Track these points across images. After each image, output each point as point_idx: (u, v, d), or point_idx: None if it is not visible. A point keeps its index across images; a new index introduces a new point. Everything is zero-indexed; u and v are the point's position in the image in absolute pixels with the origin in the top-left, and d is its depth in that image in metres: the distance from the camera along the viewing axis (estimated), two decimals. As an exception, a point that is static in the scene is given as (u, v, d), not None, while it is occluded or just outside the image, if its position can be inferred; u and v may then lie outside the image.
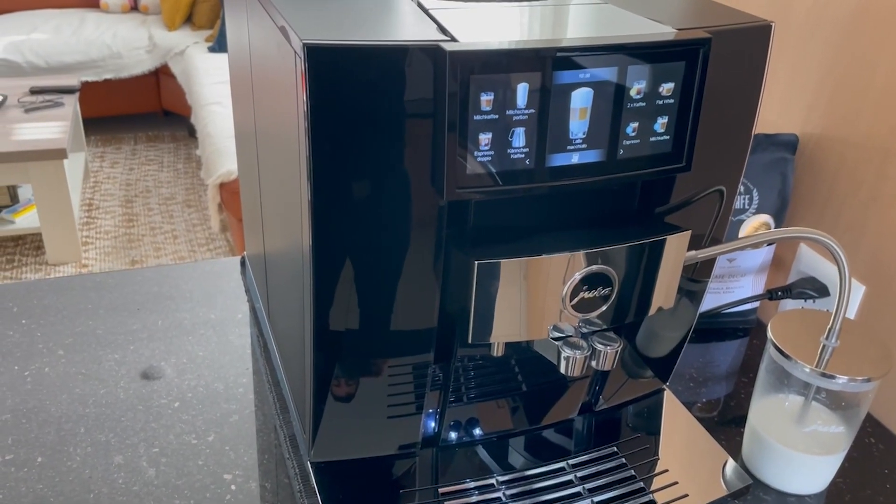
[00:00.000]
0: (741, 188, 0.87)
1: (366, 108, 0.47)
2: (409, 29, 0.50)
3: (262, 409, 0.76)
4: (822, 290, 0.85)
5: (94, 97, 3.60)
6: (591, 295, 0.52)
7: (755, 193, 0.87)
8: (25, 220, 2.78)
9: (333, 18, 0.51)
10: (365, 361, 0.57)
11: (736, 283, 0.91)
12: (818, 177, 0.85)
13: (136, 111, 3.82)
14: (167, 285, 0.95)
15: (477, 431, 0.66)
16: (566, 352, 0.52)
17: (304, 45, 0.45)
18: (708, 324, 0.92)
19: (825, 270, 0.85)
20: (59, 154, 2.56)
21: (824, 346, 0.67)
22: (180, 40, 3.62)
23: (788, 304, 0.89)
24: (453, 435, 0.65)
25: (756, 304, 0.93)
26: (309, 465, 0.63)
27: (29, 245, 2.91)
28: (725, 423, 0.79)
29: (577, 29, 0.53)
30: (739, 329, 0.94)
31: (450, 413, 0.64)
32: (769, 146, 0.86)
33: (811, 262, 0.87)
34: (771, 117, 0.91)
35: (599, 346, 0.53)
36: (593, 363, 0.54)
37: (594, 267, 0.52)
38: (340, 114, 0.47)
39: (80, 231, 2.97)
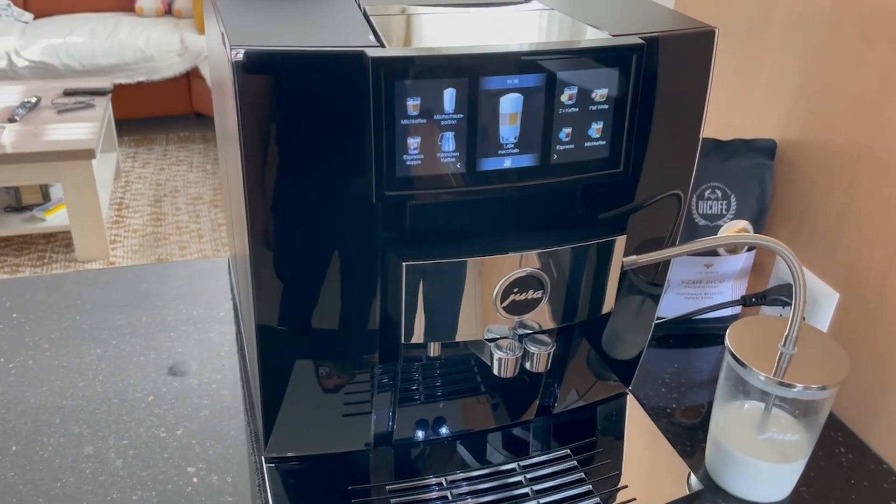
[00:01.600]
0: (718, 193, 0.86)
1: (296, 112, 0.49)
2: (344, 35, 0.51)
3: (232, 406, 0.78)
4: (798, 298, 0.84)
5: (127, 99, 3.69)
6: (522, 297, 0.53)
7: (733, 199, 0.86)
8: (56, 218, 2.85)
9: (273, 25, 0.52)
10: (309, 361, 0.59)
11: (715, 289, 0.90)
12: (797, 182, 0.84)
13: (167, 113, 3.90)
14: (156, 283, 0.98)
15: (431, 431, 0.67)
16: (498, 353, 0.53)
17: (232, 48, 0.47)
18: (685, 329, 0.91)
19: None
20: (87, 154, 2.63)
21: (782, 353, 0.66)
22: (210, 43, 3.69)
23: (765, 311, 0.88)
24: (406, 434, 0.66)
25: (737, 310, 0.92)
26: (263, 460, 0.65)
27: (60, 242, 3.00)
28: (693, 429, 0.78)
29: (512, 35, 0.53)
30: (720, 335, 0.93)
31: (405, 412, 0.65)
32: (747, 152, 0.86)
33: (785, 268, 0.86)
34: (749, 123, 0.90)
35: (532, 349, 0.54)
36: (527, 365, 0.54)
37: (524, 270, 0.52)
38: (270, 118, 0.49)
39: (108, 229, 3.05)
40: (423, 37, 0.52)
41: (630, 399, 0.75)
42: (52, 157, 2.61)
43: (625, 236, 0.55)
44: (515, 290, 0.52)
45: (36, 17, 3.98)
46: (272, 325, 0.56)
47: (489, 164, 0.51)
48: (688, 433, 0.77)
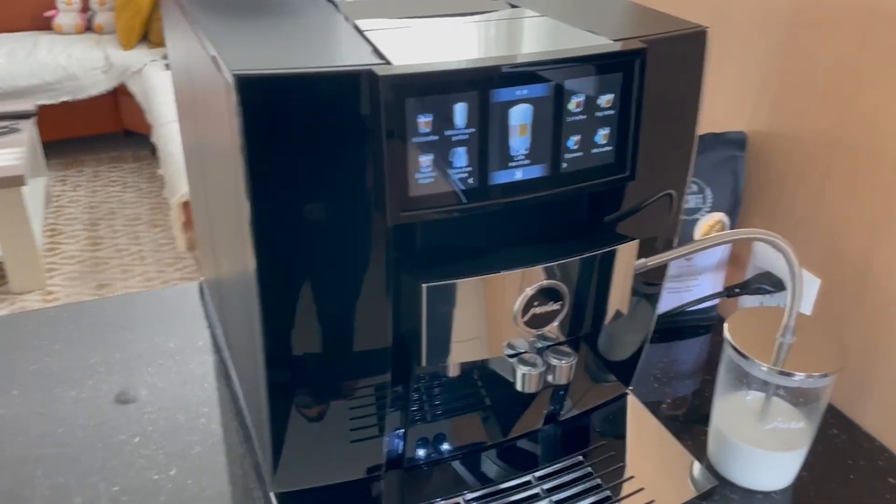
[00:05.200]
0: (694, 187, 0.87)
1: (302, 135, 0.47)
2: (343, 53, 0.49)
3: (226, 439, 0.75)
4: (778, 285, 0.85)
5: (52, 120, 3.54)
6: (542, 310, 0.52)
7: (708, 192, 0.87)
8: (-14, 250, 2.72)
9: (264, 44, 0.50)
10: (321, 386, 0.57)
11: (695, 282, 0.92)
12: (769, 172, 0.86)
13: (96, 132, 3.76)
14: (124, 316, 0.93)
15: (442, 449, 0.66)
16: (521, 369, 0.52)
17: (235, 76, 0.44)
18: (669, 323, 0.92)
19: (780, 265, 0.86)
20: (16, 181, 2.51)
21: (780, 343, 0.67)
22: (137, 59, 3.58)
23: (747, 300, 0.90)
24: (418, 455, 0.65)
25: (716, 301, 0.93)
26: (273, 497, 0.62)
27: (-9, 275, 2.86)
28: (691, 422, 0.79)
29: (514, 44, 0.52)
30: (701, 326, 0.94)
31: (413, 433, 0.64)
32: (718, 145, 0.87)
33: (767, 257, 0.87)
34: (718, 116, 0.92)
35: (554, 362, 0.53)
36: (549, 378, 0.53)
37: (544, 282, 0.51)
38: (276, 143, 0.46)
39: (44, 258, 2.92)
40: (424, 51, 0.51)
41: (631, 398, 0.75)
42: (-22, 186, 2.48)
43: (637, 241, 0.55)
44: (536, 303, 0.51)
45: (-54, 41, 3.79)
46: (281, 353, 0.53)
47: (501, 177, 0.50)
48: (686, 426, 0.78)
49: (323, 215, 0.49)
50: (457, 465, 0.66)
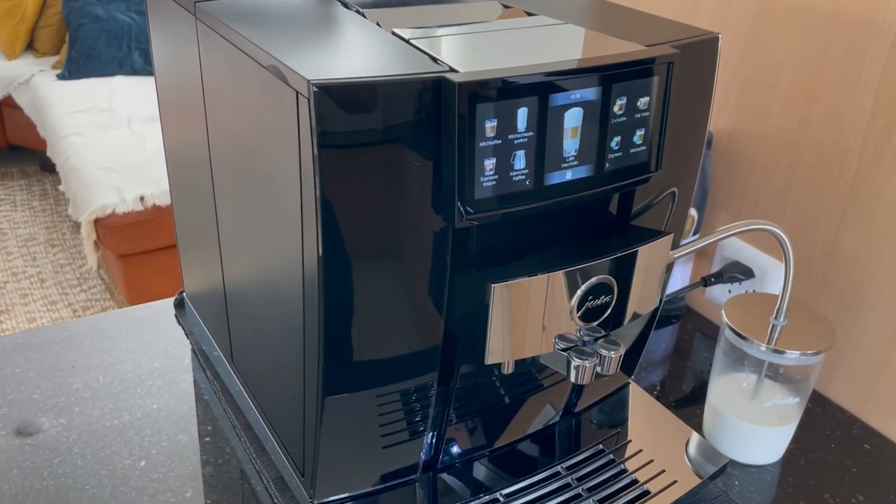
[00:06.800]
0: (667, 185, 0.92)
1: (373, 141, 0.47)
2: (403, 61, 0.50)
3: (235, 456, 0.73)
4: (747, 273, 0.92)
5: (-73, 137, 3.29)
6: (594, 304, 0.54)
7: (679, 188, 0.93)
8: None
9: (322, 54, 0.50)
10: (372, 392, 0.57)
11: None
12: (734, 169, 0.92)
13: (-23, 148, 3.52)
14: (98, 338, 0.89)
15: (472, 448, 0.67)
16: (576, 361, 0.54)
17: (311, 83, 0.44)
18: (647, 315, 0.97)
19: (746, 254, 0.92)
20: None
21: (773, 325, 0.72)
22: (23, 69, 3.37)
23: (716, 288, 0.96)
24: (452, 454, 0.66)
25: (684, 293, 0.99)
26: (312, 507, 0.62)
27: None
28: (680, 405, 0.84)
29: (555, 51, 0.54)
30: (672, 316, 1.00)
31: (448, 432, 0.65)
32: (688, 143, 0.92)
33: (734, 248, 0.94)
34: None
35: (604, 352, 0.55)
36: (599, 369, 0.56)
37: (597, 277, 0.54)
38: (348, 149, 0.47)
39: (-70, 285, 2.71)
40: (477, 59, 0.52)
41: (633, 387, 0.78)
42: None
43: (671, 235, 0.58)
44: (590, 297, 0.54)
45: None
46: (340, 359, 0.53)
47: (555, 177, 0.52)
48: (677, 409, 0.82)
49: (388, 222, 0.50)
50: (486, 462, 0.68)
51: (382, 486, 0.63)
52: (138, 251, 2.40)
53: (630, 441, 0.71)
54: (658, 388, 0.86)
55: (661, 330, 0.98)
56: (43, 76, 3.32)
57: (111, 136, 2.83)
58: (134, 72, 3.36)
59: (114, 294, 2.76)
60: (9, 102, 3.39)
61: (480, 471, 0.66)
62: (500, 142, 0.49)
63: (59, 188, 3.19)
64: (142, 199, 2.39)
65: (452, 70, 0.48)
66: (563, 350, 0.55)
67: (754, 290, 0.92)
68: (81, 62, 3.27)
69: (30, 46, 3.57)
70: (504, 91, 0.48)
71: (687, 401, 0.84)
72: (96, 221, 2.35)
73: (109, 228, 2.32)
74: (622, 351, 0.56)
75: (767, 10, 0.84)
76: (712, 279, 0.91)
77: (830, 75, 0.79)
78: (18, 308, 2.66)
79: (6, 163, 3.68)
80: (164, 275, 2.51)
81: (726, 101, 0.91)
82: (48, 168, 3.46)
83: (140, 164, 2.60)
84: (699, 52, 0.60)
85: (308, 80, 0.44)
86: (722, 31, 0.90)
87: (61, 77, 3.26)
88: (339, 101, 0.45)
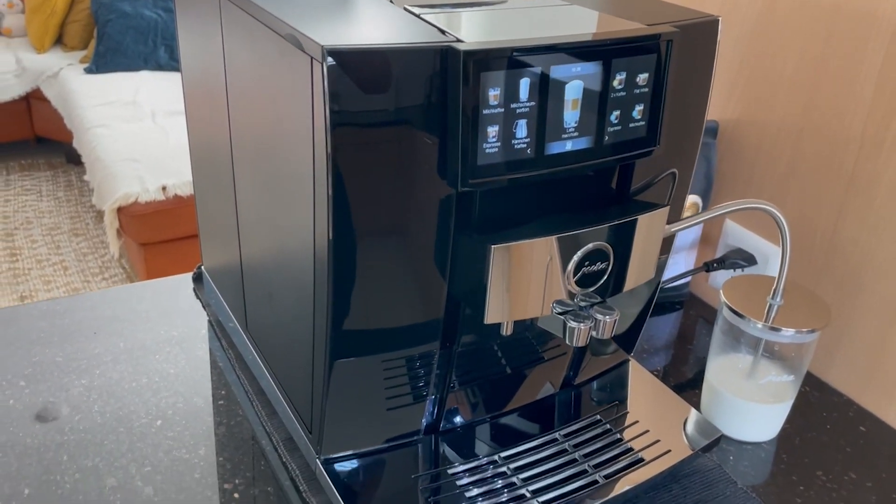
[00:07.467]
0: (673, 172, 0.95)
1: (382, 107, 0.50)
2: (414, 32, 0.53)
3: (247, 418, 0.76)
4: (750, 259, 0.94)
5: (-43, 127, 3.37)
6: (590, 270, 0.57)
7: (685, 176, 0.95)
8: None
9: (337, 25, 0.53)
10: (377, 355, 0.60)
11: (671, 260, 0.99)
12: (739, 157, 0.94)
13: (6, 139, 3.59)
14: (119, 308, 0.93)
15: (471, 414, 0.70)
16: (572, 323, 0.57)
17: (324, 48, 0.47)
18: (651, 300, 0.99)
19: (749, 241, 0.94)
20: (-69, 188, 2.38)
21: (770, 304, 0.75)
22: (52, 63, 3.45)
23: (719, 275, 0.98)
24: (453, 418, 0.69)
25: (689, 278, 1.01)
26: (319, 463, 0.65)
27: None
28: (681, 385, 0.86)
29: (560, 27, 0.57)
30: (676, 302, 1.02)
31: (450, 397, 0.67)
32: (694, 132, 0.94)
33: (737, 235, 0.96)
34: (692, 106, 0.99)
35: (599, 317, 0.58)
36: (594, 333, 0.58)
37: (594, 243, 0.56)
38: (358, 114, 0.50)
39: (-43, 270, 2.78)
40: (484, 32, 0.55)
41: (633, 363, 0.81)
42: None
43: (667, 207, 0.61)
44: (587, 263, 0.56)
45: None
46: (346, 324, 0.56)
47: (555, 147, 0.55)
48: (676, 390, 0.84)
49: (396, 186, 0.53)
50: (486, 428, 0.70)
51: (386, 445, 0.66)
52: (159, 240, 2.45)
53: (627, 413, 0.73)
54: (660, 371, 0.88)
55: (664, 316, 1.00)
56: (71, 70, 3.40)
57: (135, 128, 2.89)
58: (159, 67, 3.43)
59: (132, 282, 2.81)
60: (37, 95, 3.46)
61: (481, 435, 0.69)
62: (502, 110, 0.52)
63: (83, 179, 3.26)
64: (164, 188, 2.44)
65: (459, 41, 0.51)
66: (561, 314, 0.57)
67: (758, 274, 0.94)
68: (108, 57, 3.34)
69: (59, 41, 3.65)
70: (508, 61, 0.50)
71: (687, 383, 0.87)
72: (119, 210, 2.40)
73: (132, 217, 2.38)
74: (616, 316, 0.58)
75: (772, 4, 0.86)
76: (714, 265, 0.94)
77: (832, 66, 0.81)
78: (42, 294, 2.72)
79: (33, 154, 3.76)
80: (184, 264, 2.55)
81: (732, 91, 0.93)
82: (73, 160, 3.54)
83: (163, 155, 2.65)
84: (699, 34, 0.63)
85: (322, 46, 0.48)
86: (728, 25, 0.92)
87: (88, 71, 3.33)
88: (350, 67, 0.48)
